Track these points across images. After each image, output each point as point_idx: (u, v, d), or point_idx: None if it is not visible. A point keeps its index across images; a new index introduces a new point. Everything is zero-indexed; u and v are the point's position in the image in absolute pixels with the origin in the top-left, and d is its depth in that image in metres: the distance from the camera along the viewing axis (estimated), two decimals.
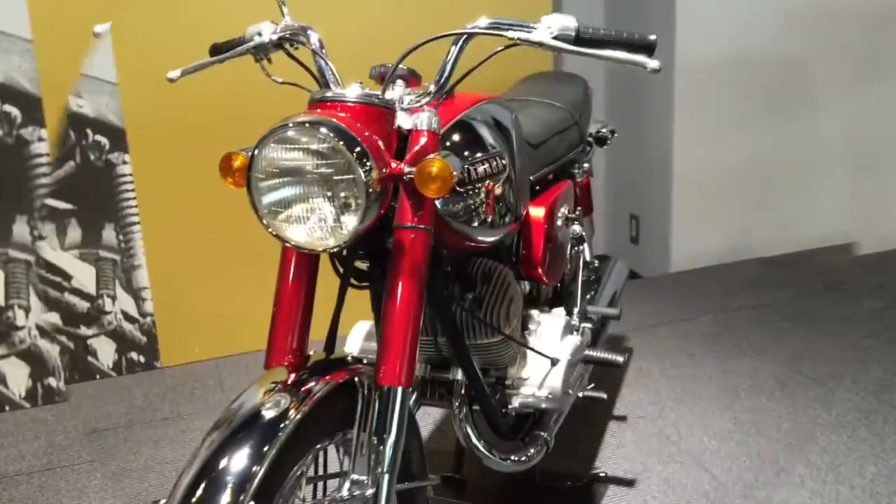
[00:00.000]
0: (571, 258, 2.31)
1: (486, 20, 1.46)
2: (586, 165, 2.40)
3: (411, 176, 1.32)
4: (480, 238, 1.65)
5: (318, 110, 1.35)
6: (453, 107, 1.64)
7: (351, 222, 1.28)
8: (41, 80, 2.75)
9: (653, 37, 1.45)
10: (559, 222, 2.08)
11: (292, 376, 1.38)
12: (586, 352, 2.11)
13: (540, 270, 2.00)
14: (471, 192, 1.57)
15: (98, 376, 3.08)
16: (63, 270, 2.95)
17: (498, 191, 1.64)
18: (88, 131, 2.85)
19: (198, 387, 2.99)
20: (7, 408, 2.92)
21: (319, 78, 1.54)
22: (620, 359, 2.10)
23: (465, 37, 1.48)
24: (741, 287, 3.61)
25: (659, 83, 3.73)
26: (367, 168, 1.27)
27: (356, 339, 1.92)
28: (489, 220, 1.64)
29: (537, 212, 1.99)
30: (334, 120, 1.28)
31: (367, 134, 1.31)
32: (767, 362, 2.92)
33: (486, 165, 1.60)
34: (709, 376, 2.85)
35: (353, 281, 1.51)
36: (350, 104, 1.36)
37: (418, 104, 1.45)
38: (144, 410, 2.84)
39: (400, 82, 1.49)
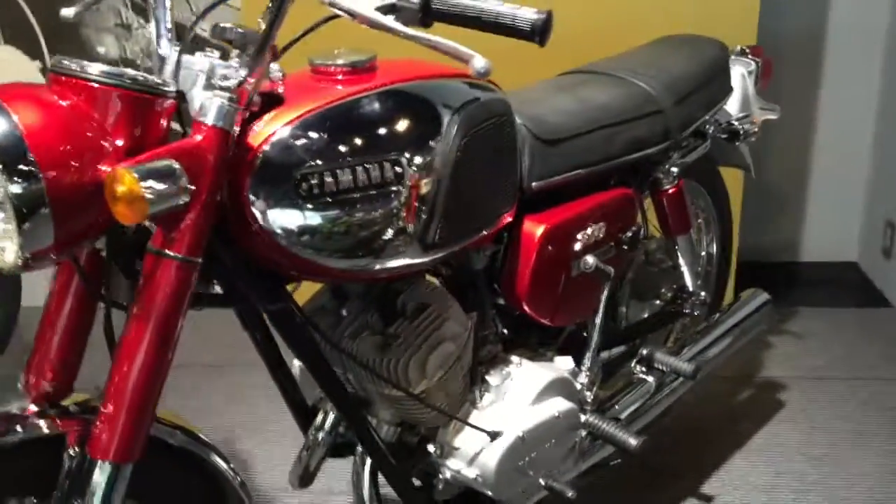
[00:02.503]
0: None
1: None
2: (674, 170, 1.78)
3: None
4: (355, 271, 1.24)
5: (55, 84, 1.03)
6: (356, 83, 1.21)
7: (9, 250, 0.96)
8: None
9: (539, 15, 0.92)
10: (577, 245, 1.54)
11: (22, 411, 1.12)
12: (591, 419, 1.58)
13: (525, 304, 1.50)
14: (326, 210, 1.16)
15: None
16: None
17: (385, 208, 1.20)
18: None
19: None
20: None
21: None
22: (633, 442, 1.54)
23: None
24: None
25: None
26: (27, 176, 0.93)
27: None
28: (373, 246, 1.21)
29: (532, 228, 1.48)
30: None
31: (64, 125, 0.96)
32: None
33: (356, 174, 1.16)
34: (866, 468, 2.09)
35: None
36: (92, 83, 1.01)
37: (228, 83, 1.06)
38: None
39: (211, 50, 1.10)
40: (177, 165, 0.97)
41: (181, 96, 1.08)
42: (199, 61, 1.08)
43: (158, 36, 1.16)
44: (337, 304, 1.45)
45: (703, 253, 2.19)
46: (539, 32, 0.93)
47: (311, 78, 1.25)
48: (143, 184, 0.93)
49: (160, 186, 0.94)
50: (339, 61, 1.24)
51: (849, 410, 2.32)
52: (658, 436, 2.13)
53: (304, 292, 1.41)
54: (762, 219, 3.22)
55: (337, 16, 0.98)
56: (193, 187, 0.99)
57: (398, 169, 1.20)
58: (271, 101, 1.17)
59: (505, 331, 1.62)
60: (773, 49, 2.94)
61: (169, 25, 1.18)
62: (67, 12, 1.39)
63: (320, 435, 1.50)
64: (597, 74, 1.73)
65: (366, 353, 1.36)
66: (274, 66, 1.23)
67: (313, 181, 1.14)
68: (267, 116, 1.15)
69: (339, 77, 1.24)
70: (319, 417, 1.50)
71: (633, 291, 1.97)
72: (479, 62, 0.89)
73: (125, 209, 0.93)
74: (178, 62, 1.08)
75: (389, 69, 1.28)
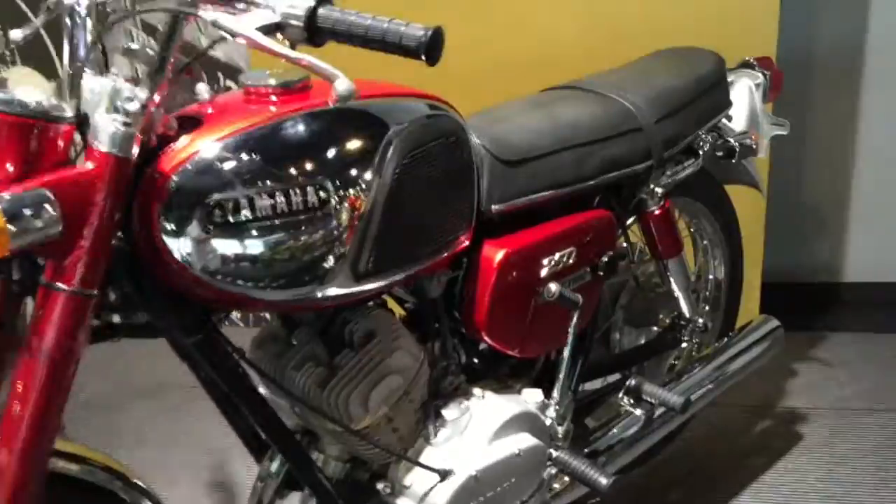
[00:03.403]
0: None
1: None
2: (659, 190, 1.67)
3: None
4: (279, 302, 1.18)
5: None
6: (286, 104, 1.16)
7: None
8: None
9: (421, 31, 0.85)
10: (544, 271, 1.46)
11: None
12: (561, 456, 1.48)
13: (485, 334, 1.43)
14: (241, 239, 1.10)
15: None
16: None
17: (309, 236, 1.14)
18: (219, 75, 2.75)
19: None
20: None
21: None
22: (603, 481, 1.44)
23: (178, 16, 1.00)
24: None
25: None
26: None
27: None
28: (296, 277, 1.15)
29: (491, 253, 1.40)
30: None
31: None
32: None
33: (275, 200, 1.10)
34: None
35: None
36: None
37: (130, 105, 1.02)
38: None
39: (116, 71, 1.06)
40: (50, 195, 0.92)
41: (85, 120, 1.03)
42: (102, 83, 1.03)
43: (73, 59, 1.12)
44: (287, 332, 1.39)
45: (711, 277, 2.07)
46: (425, 50, 0.86)
47: (242, 99, 1.20)
48: (7, 215, 0.88)
49: (26, 217, 0.90)
50: (271, 81, 1.19)
51: (874, 446, 2.16)
52: (666, 468, 2.04)
53: None
54: (800, 237, 3.06)
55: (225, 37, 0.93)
56: (68, 217, 0.94)
57: (322, 194, 1.14)
58: (193, 124, 1.13)
59: (475, 360, 1.55)
60: (811, 61, 2.81)
61: (88, 46, 1.13)
62: (16, 35, 1.37)
63: (273, 466, 1.44)
64: (578, 90, 1.64)
65: (308, 385, 1.30)
66: (202, 87, 1.19)
67: (228, 208, 1.08)
68: (184, 140, 1.10)
69: (272, 98, 1.19)
70: (272, 448, 1.44)
71: (627, 317, 1.87)
72: (341, 84, 0.83)
73: None
74: (79, 84, 1.03)
75: (325, 89, 1.22)
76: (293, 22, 0.90)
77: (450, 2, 2.30)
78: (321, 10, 0.89)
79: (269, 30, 0.89)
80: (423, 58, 0.86)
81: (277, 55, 0.88)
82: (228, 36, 0.90)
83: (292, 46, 0.92)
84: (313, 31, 0.89)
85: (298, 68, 1.21)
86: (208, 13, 0.92)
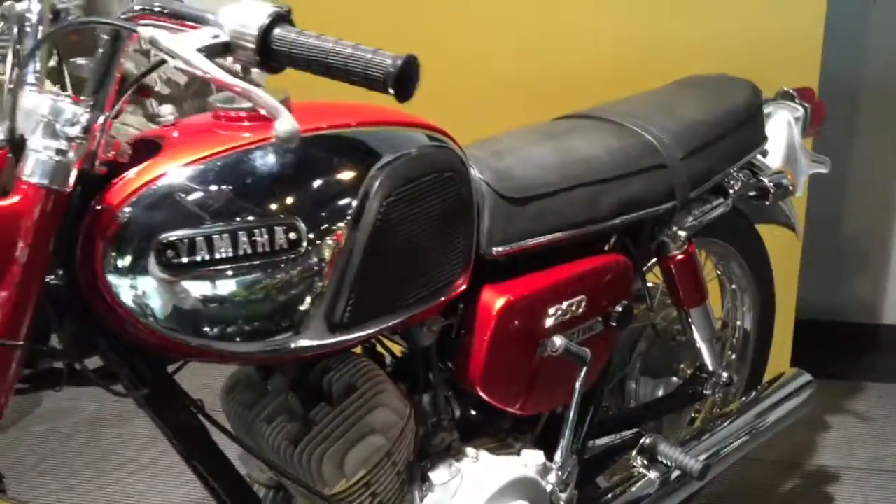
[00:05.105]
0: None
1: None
2: (682, 233, 1.51)
3: None
4: (241, 355, 1.05)
5: None
6: (259, 130, 1.03)
7: None
8: None
9: (390, 60, 0.72)
10: (549, 321, 1.31)
11: None
12: None
13: (480, 388, 1.29)
14: (195, 284, 0.97)
15: None
16: None
17: (275, 282, 1.01)
18: None
19: None
20: None
21: None
22: None
23: (122, 33, 0.88)
24: None
25: None
26: None
27: None
28: (257, 328, 1.02)
29: (491, 300, 1.26)
30: None
31: None
32: None
33: (237, 241, 0.97)
34: None
35: None
36: None
37: (72, 130, 0.90)
38: None
39: (54, 92, 0.93)
40: None
41: (22, 143, 0.91)
42: (39, 102, 0.91)
43: (21, 78, 0.99)
44: (262, 377, 1.26)
45: (739, 324, 1.90)
46: (394, 82, 0.72)
47: (210, 124, 1.08)
48: None
49: None
50: (244, 104, 1.06)
51: None
52: None
53: None
54: (838, 272, 2.87)
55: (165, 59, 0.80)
56: None
57: (293, 235, 1.01)
58: (152, 150, 1.01)
59: (471, 415, 1.40)
60: (854, 89, 2.64)
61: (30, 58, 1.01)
62: None
63: None
64: (594, 120, 1.50)
65: (279, 442, 1.17)
66: (166, 109, 1.07)
67: (182, 248, 0.96)
68: (137, 168, 0.98)
69: (244, 123, 1.06)
70: None
71: (644, 366, 1.72)
72: (281, 125, 0.70)
73: None
74: (14, 104, 0.91)
75: (305, 114, 1.10)
76: (244, 43, 0.77)
77: (453, 14, 2.10)
78: (276, 31, 0.76)
79: (215, 51, 0.77)
80: (392, 91, 0.73)
81: (217, 82, 0.75)
82: (166, 56, 0.77)
83: (245, 72, 0.79)
84: (267, 55, 0.76)
85: (281, 90, 1.11)
86: (147, 30, 0.80)
